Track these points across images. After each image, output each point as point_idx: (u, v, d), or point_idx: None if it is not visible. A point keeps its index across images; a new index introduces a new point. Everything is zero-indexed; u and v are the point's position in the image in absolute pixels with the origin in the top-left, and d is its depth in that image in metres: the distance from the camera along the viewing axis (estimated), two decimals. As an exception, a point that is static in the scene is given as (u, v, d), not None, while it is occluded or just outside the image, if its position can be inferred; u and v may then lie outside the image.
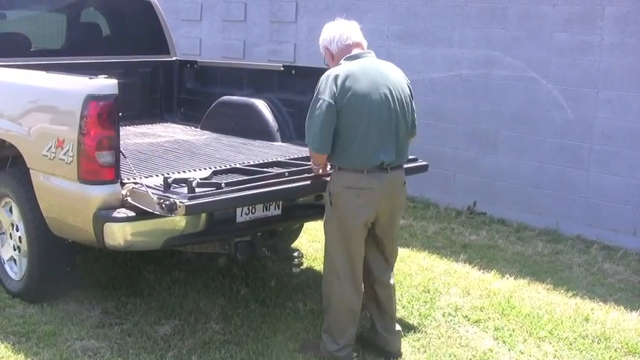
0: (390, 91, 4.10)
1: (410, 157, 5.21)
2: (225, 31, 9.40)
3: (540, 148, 6.89)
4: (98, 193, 4.20)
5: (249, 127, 5.89)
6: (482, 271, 5.84)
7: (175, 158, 5.08)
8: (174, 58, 6.87)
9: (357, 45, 4.24)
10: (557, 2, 6.65)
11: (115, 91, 4.20)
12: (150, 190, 4.04)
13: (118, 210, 4.16)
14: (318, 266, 5.78)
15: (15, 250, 5.08)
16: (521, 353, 4.52)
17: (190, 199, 3.94)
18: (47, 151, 4.43)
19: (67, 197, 4.40)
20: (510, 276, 5.72)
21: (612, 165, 6.46)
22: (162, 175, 4.41)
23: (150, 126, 6.45)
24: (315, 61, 7.94)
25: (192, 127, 6.36)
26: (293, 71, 5.87)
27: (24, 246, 4.94)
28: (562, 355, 4.51)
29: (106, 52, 6.53)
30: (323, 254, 6.04)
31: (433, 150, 7.28)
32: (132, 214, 4.13)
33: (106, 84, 4.21)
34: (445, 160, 7.46)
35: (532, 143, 6.94)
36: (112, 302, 5.02)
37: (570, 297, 5.37)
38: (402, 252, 6.18)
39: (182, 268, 5.65)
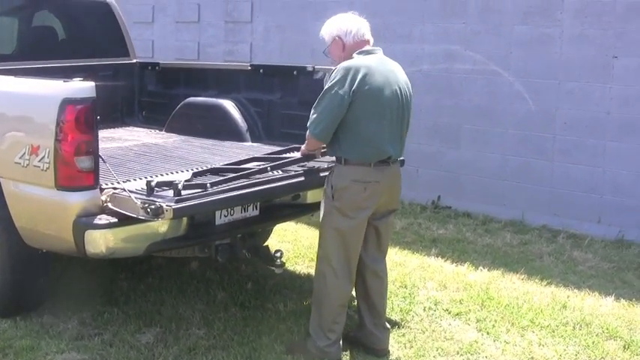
0: (400, 88, 4.17)
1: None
2: (179, 33, 9.27)
3: (503, 140, 6.98)
4: (77, 200, 4.04)
5: (218, 128, 5.80)
6: (455, 264, 5.88)
7: (149, 162, 4.96)
8: (134, 61, 6.73)
9: (369, 42, 4.33)
10: (516, -5, 6.76)
11: (93, 94, 4.07)
12: (133, 195, 3.93)
13: (99, 216, 4.02)
14: (292, 267, 5.75)
15: (-16, 263, 4.91)
16: (507, 343, 4.55)
17: (177, 202, 3.85)
18: (20, 158, 4.26)
19: (43, 205, 4.24)
20: (484, 268, 5.77)
21: (575, 154, 6.59)
22: (140, 179, 4.32)
23: (112, 130, 6.28)
24: (272, 60, 7.91)
25: (156, 131, 6.24)
26: (261, 70, 5.80)
27: (-6, 259, 4.79)
28: (546, 343, 4.56)
29: (63, 55, 6.33)
30: (294, 254, 6.05)
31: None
32: (114, 220, 4.01)
33: (82, 87, 4.08)
34: (408, 156, 7.28)
35: (495, 135, 7.02)
36: (87, 312, 4.87)
37: (545, 286, 5.44)
38: (374, 248, 6.20)
39: (154, 274, 5.53)
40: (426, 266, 5.82)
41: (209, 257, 4.76)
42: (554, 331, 4.72)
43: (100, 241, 4.05)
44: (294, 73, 5.57)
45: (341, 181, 4.15)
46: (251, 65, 5.95)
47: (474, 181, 7.20)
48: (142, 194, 3.97)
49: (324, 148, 4.43)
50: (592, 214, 6.50)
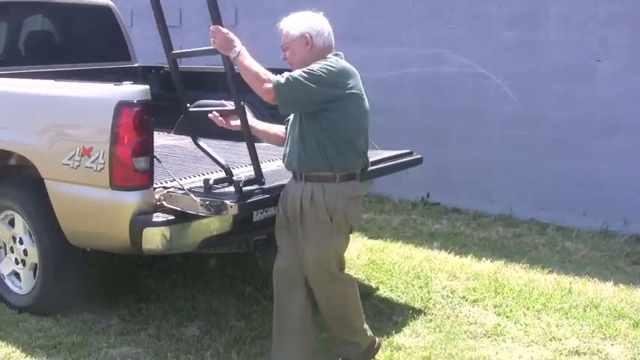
0: (366, 94, 3.99)
1: (405, 151, 5.57)
2: (159, 38, 9.34)
3: (490, 139, 7.37)
4: (133, 199, 4.23)
5: (230, 129, 5.97)
6: (458, 256, 6.21)
7: (182, 162, 5.14)
8: (136, 65, 6.86)
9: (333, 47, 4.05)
10: (502, 2, 7.14)
11: (148, 97, 4.27)
12: (192, 193, 4.13)
13: (155, 214, 4.22)
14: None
15: (18, 263, 5.00)
16: (527, 325, 4.90)
17: (239, 199, 4.06)
18: (69, 159, 4.41)
19: (95, 205, 4.39)
20: (486, 259, 6.12)
21: (561, 152, 7.01)
22: (184, 178, 4.51)
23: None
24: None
25: (165, 133, 6.38)
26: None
27: (31, 259, 4.88)
28: (562, 324, 4.92)
29: (64, 60, 6.43)
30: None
31: (384, 146, 7.58)
32: (171, 217, 4.21)
33: (138, 90, 4.27)
34: (396, 155, 7.78)
35: (482, 135, 7.41)
36: (124, 310, 5.02)
37: (547, 274, 5.82)
38: (378, 243, 6.52)
39: (177, 271, 5.69)
40: (432, 258, 6.14)
41: (245, 252, 4.99)
42: (567, 313, 5.09)
43: (158, 237, 4.24)
44: None
45: (339, 200, 3.88)
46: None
47: (462, 179, 7.57)
48: (200, 192, 4.17)
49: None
50: (577, 207, 6.92)
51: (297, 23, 3.96)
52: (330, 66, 3.77)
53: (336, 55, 3.93)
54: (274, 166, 4.95)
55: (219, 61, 4.15)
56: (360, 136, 3.92)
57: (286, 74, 3.74)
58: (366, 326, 4.32)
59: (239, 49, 3.85)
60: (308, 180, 3.89)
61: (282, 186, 4.23)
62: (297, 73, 3.72)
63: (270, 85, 3.74)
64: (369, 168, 4.23)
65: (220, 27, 3.96)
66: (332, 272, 4.03)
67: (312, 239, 3.92)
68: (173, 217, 4.20)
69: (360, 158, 3.94)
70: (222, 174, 4.51)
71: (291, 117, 4.07)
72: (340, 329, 4.27)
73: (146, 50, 9.52)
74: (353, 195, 3.94)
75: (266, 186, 4.27)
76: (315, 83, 3.70)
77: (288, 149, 4.03)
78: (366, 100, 3.94)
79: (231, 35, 3.91)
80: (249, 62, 3.83)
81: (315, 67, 3.75)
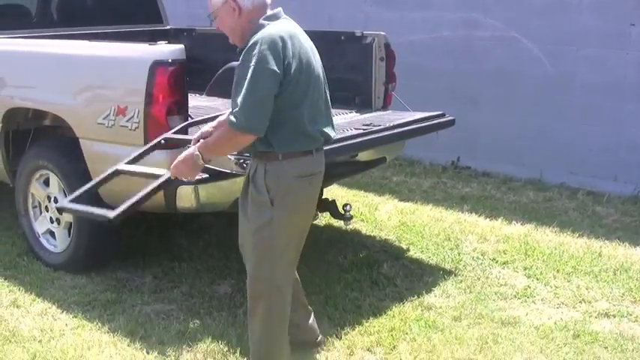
0: (317, 55, 3.50)
1: (437, 112, 5.55)
2: (190, 1, 9.39)
3: (521, 103, 7.31)
4: (167, 158, 4.27)
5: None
6: (488, 219, 6.21)
7: (215, 123, 5.17)
8: (168, 27, 6.88)
9: (268, 5, 3.44)
10: (536, -36, 7.07)
11: (183, 56, 4.30)
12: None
13: (189, 173, 4.26)
14: (337, 223, 5.98)
15: (53, 222, 5.09)
16: (557, 287, 4.91)
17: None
18: (104, 119, 4.47)
19: (130, 164, 4.45)
20: (516, 222, 6.12)
21: (592, 116, 6.95)
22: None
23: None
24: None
25: (197, 95, 6.41)
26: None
27: (66, 217, 4.96)
28: (592, 287, 4.92)
29: (97, 22, 6.47)
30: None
31: (415, 109, 7.58)
32: (205, 175, 4.25)
33: (173, 49, 4.31)
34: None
35: (513, 99, 7.36)
36: (157, 268, 5.11)
37: (577, 237, 5.80)
38: (409, 206, 6.54)
39: (209, 231, 5.76)
40: (462, 221, 6.15)
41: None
42: (597, 276, 5.08)
43: (192, 196, 4.30)
44: (342, 38, 5.78)
45: (281, 180, 3.39)
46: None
47: (492, 143, 7.54)
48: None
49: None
50: (608, 172, 6.87)
51: None
52: (263, 59, 3.19)
53: (270, 18, 3.38)
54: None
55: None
56: (317, 108, 3.44)
57: (237, 107, 3.20)
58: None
59: (198, 155, 3.40)
60: (255, 157, 3.48)
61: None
62: (239, 98, 3.20)
63: (241, 133, 3.24)
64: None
65: (172, 167, 3.54)
66: (268, 267, 3.50)
67: (251, 223, 3.49)
68: (207, 176, 4.24)
69: (307, 137, 3.42)
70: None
71: None
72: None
73: (175, 12, 9.57)
74: (300, 173, 3.41)
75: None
76: (261, 91, 3.21)
77: None
78: (314, 62, 3.42)
79: (182, 158, 3.48)
80: (212, 145, 3.40)
81: (249, 72, 3.19)
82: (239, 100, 3.20)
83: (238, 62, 3.31)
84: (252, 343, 3.64)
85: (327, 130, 3.50)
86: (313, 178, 3.47)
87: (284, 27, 3.34)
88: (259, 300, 3.56)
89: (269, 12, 3.40)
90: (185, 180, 3.68)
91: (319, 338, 4.06)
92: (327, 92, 3.55)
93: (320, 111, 3.48)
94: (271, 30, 3.29)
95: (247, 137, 3.27)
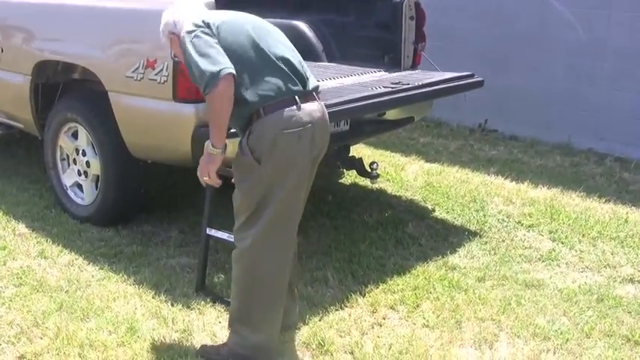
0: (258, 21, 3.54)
1: (466, 73, 5.51)
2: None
3: (551, 67, 7.22)
4: (196, 111, 4.28)
5: (293, 48, 5.98)
6: (514, 182, 6.18)
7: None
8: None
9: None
10: None
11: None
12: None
13: (216, 127, 4.26)
14: (363, 181, 5.98)
15: (80, 175, 5.14)
16: (582, 252, 4.89)
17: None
18: (133, 72, 4.47)
19: (158, 117, 4.46)
20: (543, 186, 6.08)
21: (622, 82, 6.85)
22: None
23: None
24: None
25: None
26: (335, -7, 5.95)
27: (93, 170, 5.00)
28: (617, 252, 4.89)
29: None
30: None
31: (445, 69, 7.53)
32: (232, 130, 4.24)
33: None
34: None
35: (543, 63, 7.26)
36: (183, 222, 5.14)
37: (604, 203, 5.76)
38: (435, 167, 6.52)
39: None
40: (488, 183, 6.13)
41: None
42: (622, 242, 5.05)
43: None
44: None
45: (266, 135, 3.26)
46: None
47: (520, 106, 7.47)
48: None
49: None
50: (637, 139, 6.79)
51: (160, 27, 3.52)
52: (191, 35, 3.26)
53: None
54: (334, 83, 4.96)
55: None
56: (280, 50, 3.37)
57: (200, 72, 3.19)
58: (270, 329, 3.51)
59: (208, 142, 3.47)
60: (242, 131, 3.47)
61: (349, 102, 4.31)
62: (198, 61, 3.20)
63: (213, 90, 3.19)
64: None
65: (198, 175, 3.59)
66: (264, 224, 3.39)
67: (241, 185, 3.49)
68: (234, 130, 4.23)
69: (292, 74, 3.32)
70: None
71: None
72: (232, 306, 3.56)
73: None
74: (287, 126, 3.25)
75: (333, 101, 4.27)
76: (202, 47, 3.22)
77: None
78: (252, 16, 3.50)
79: (203, 163, 3.55)
80: (211, 121, 3.43)
81: (188, 44, 3.26)
82: (196, 70, 3.19)
83: None
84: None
85: (306, 73, 3.39)
86: (303, 131, 3.28)
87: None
88: (245, 260, 3.49)
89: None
90: (209, 179, 3.61)
91: (292, 322, 3.81)
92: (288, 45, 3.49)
93: (288, 53, 3.38)
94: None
95: (226, 83, 3.16)
